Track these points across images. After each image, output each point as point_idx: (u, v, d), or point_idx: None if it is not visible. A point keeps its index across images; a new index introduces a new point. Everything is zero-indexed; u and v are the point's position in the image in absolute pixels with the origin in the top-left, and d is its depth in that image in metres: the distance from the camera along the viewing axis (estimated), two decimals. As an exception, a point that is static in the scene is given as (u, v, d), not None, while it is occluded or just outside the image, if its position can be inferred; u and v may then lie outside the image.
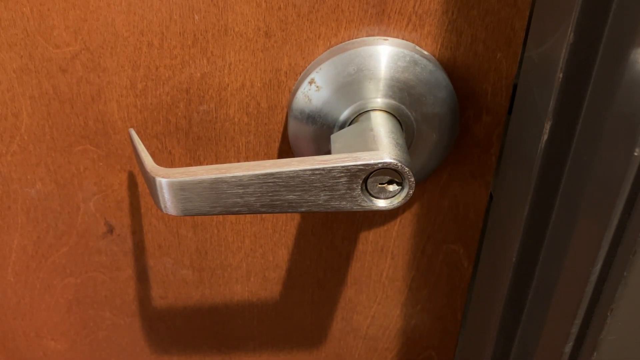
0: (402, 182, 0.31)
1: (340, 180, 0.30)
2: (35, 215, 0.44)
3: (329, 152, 0.37)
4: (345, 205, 0.31)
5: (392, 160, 0.30)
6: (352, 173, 0.30)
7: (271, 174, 0.30)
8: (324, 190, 0.31)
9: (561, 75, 0.29)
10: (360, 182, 0.30)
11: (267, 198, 0.31)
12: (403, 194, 0.31)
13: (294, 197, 0.31)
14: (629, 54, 0.25)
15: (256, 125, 0.39)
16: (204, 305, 0.49)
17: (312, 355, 0.52)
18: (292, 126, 0.37)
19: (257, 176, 0.30)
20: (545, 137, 0.31)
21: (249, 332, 0.50)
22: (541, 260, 0.35)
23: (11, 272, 0.47)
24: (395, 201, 0.31)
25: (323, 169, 0.30)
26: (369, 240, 0.45)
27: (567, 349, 0.32)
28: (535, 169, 0.32)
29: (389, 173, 0.30)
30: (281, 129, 0.39)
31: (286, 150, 0.40)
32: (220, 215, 0.38)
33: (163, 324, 0.50)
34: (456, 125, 0.37)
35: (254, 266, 0.46)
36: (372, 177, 0.30)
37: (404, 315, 0.49)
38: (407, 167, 0.30)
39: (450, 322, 0.50)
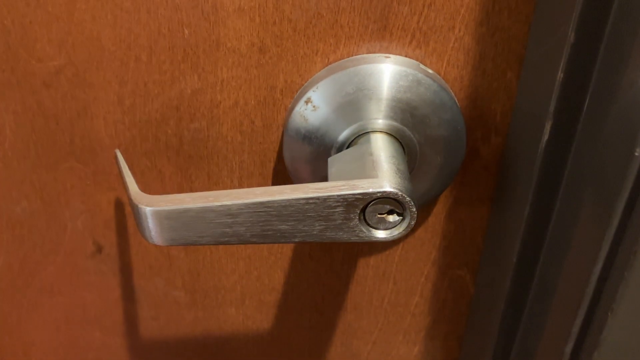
0: (402, 213, 0.29)
1: (337, 210, 0.28)
2: (21, 233, 0.42)
3: (327, 174, 0.35)
4: (342, 235, 0.29)
5: (392, 190, 0.28)
6: (349, 202, 0.28)
7: (262, 203, 0.28)
8: (319, 220, 0.29)
9: (561, 75, 0.28)
10: (358, 212, 0.28)
11: (257, 228, 0.29)
12: (404, 225, 0.29)
13: (287, 227, 0.29)
14: (629, 53, 0.25)
15: (250, 145, 0.37)
16: (196, 327, 0.47)
17: (310, 380, 0.50)
18: (288, 146, 0.35)
19: (247, 205, 0.28)
20: (545, 137, 0.30)
21: (243, 356, 0.48)
22: (541, 260, 0.35)
23: (-3, 290, 0.45)
24: (396, 232, 0.29)
25: (317, 198, 0.28)
26: (369, 264, 0.42)
27: (568, 349, 0.32)
28: (535, 169, 0.32)
29: (389, 202, 0.28)
30: (276, 149, 0.37)
31: (282, 170, 0.38)
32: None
33: (155, 346, 0.48)
34: (463, 148, 0.35)
35: (248, 289, 0.44)
36: (371, 206, 0.28)
37: (406, 342, 0.47)
38: (408, 196, 0.28)
39: (455, 349, 0.47)
